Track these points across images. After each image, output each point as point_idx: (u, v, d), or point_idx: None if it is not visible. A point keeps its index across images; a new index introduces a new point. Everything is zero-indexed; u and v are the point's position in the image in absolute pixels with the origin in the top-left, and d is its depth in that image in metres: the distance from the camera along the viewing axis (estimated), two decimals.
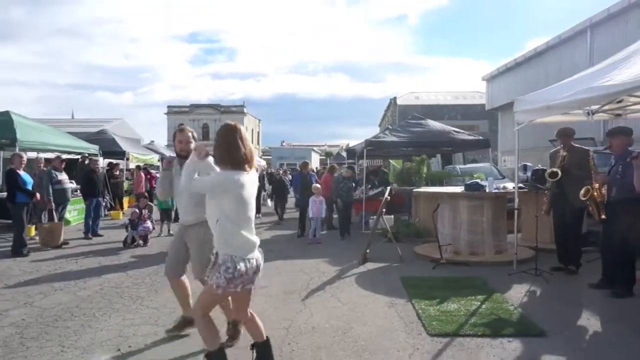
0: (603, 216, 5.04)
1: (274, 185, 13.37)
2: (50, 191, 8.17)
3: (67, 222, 10.19)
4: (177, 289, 3.87)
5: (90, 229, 9.40)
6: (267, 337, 2.99)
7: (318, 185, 9.46)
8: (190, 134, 3.96)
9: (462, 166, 13.36)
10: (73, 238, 9.06)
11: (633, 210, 4.75)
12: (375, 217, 10.78)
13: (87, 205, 9.49)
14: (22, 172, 7.55)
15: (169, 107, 66.36)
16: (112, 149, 15.09)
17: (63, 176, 8.59)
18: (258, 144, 71.93)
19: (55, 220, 8.34)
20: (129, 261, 7.11)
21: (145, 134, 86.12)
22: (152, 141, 63.67)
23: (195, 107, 65.50)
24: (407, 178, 9.27)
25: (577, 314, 4.31)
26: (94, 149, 12.61)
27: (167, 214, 9.77)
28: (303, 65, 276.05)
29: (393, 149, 11.58)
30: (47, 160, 10.05)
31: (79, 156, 13.09)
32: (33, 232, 8.83)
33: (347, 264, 6.78)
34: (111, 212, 13.19)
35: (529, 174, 7.99)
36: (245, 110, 65.26)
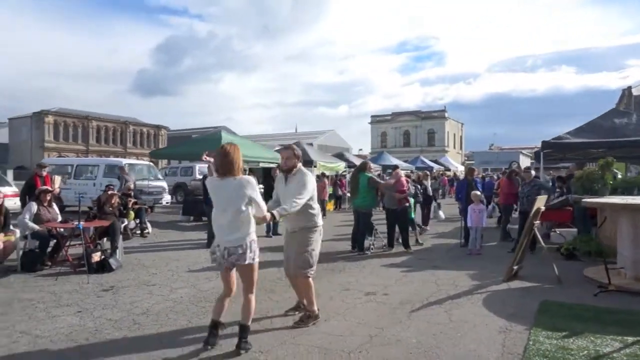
0: None
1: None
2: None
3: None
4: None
5: (272, 228, 10.80)
6: None
7: (478, 193, 8.77)
8: (292, 151, 4.41)
9: None
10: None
11: None
12: (557, 230, 9.46)
13: None
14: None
15: (372, 116, 69.71)
16: (305, 158, 16.95)
17: None
18: (461, 148, 69.22)
19: None
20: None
21: (355, 143, 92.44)
22: (360, 149, 67.72)
23: (397, 114, 67.08)
24: (589, 186, 7.74)
25: None
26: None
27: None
28: (520, 61, 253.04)
29: (579, 150, 9.79)
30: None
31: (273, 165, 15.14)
32: None
33: (490, 280, 6.19)
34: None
35: None
36: (446, 114, 63.76)
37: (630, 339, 3.82)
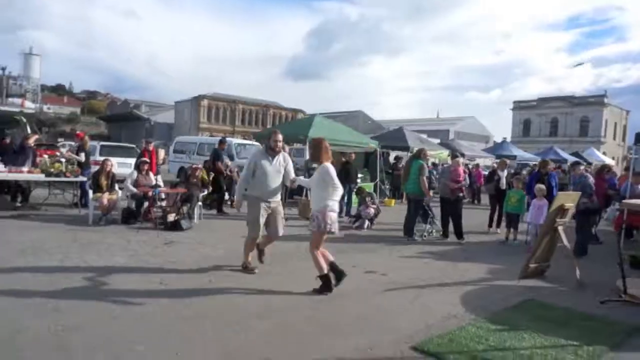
0: None
1: None
2: (307, 175, 10.68)
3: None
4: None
5: (346, 210, 11.52)
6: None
7: (542, 186, 8.23)
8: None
9: None
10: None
11: None
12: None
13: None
14: None
15: (514, 102, 64.56)
16: (400, 144, 17.15)
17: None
18: (623, 140, 59.74)
19: (309, 198, 10.80)
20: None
21: (502, 130, 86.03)
22: (504, 138, 63.70)
23: (544, 100, 60.93)
24: None
25: None
26: (373, 143, 14.93)
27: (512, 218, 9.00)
28: None
29: None
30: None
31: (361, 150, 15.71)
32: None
33: (506, 275, 6.08)
34: (385, 200, 15.17)
35: None
36: (605, 100, 55.68)
37: (563, 341, 3.73)
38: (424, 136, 47.49)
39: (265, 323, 3.87)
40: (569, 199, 5.87)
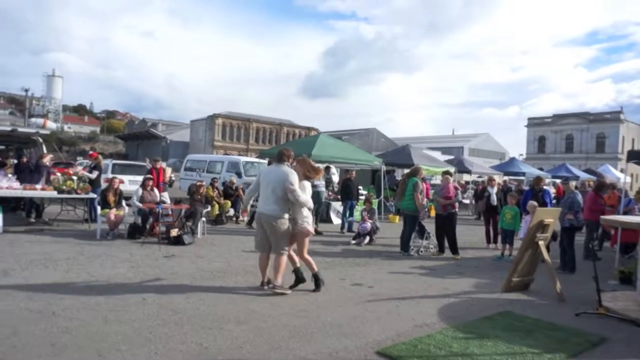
0: None
1: None
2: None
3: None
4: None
5: (347, 225, 11.77)
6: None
7: (534, 203, 8.37)
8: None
9: None
10: (330, 231, 11.74)
11: None
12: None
13: (343, 206, 11.95)
14: None
15: (529, 119, 64.29)
16: (405, 162, 17.38)
17: (319, 182, 11.17)
18: None
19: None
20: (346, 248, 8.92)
21: (517, 147, 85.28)
22: (521, 155, 62.94)
23: (559, 117, 60.58)
24: None
25: None
26: (377, 161, 15.23)
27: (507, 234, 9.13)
28: None
29: None
30: (327, 169, 13.13)
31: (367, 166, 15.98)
32: None
33: (488, 289, 6.25)
34: (389, 216, 15.37)
35: None
36: (622, 116, 55.11)
37: (524, 349, 3.91)
38: (438, 153, 47.58)
39: (242, 327, 4.15)
40: (549, 215, 6.05)
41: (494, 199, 10.18)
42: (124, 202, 9.27)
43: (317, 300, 5.21)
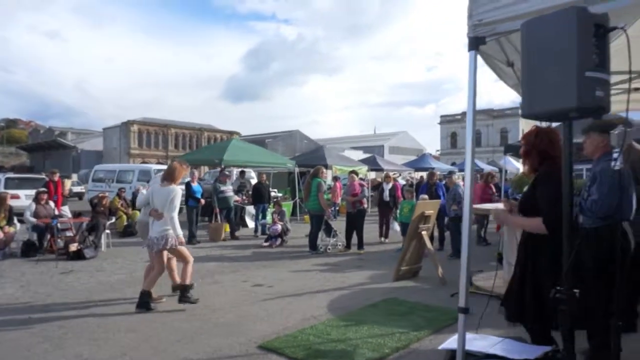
0: None
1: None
2: (216, 199, 10.98)
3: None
4: None
5: (260, 229, 11.91)
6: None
7: (425, 196, 9.09)
8: None
9: None
10: (244, 235, 11.85)
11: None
12: None
13: (255, 209, 12.09)
14: (194, 184, 10.59)
15: (441, 116, 68.26)
16: (319, 163, 17.87)
17: (226, 187, 11.25)
18: None
19: (219, 221, 11.05)
20: (255, 252, 9.05)
21: (433, 143, 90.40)
22: (438, 150, 66.13)
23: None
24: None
25: None
26: (291, 163, 15.54)
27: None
28: None
29: None
30: (242, 173, 13.16)
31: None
32: (227, 228, 11.82)
33: (382, 280, 6.75)
34: (305, 217, 15.72)
35: None
36: (520, 112, 60.47)
37: (395, 330, 4.36)
38: (360, 152, 49.07)
39: (131, 336, 4.20)
40: (429, 207, 6.67)
41: (387, 195, 10.86)
42: (15, 219, 8.71)
43: (213, 304, 5.35)
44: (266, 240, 10.30)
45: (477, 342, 2.44)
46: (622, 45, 3.54)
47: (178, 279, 5.32)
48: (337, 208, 16.27)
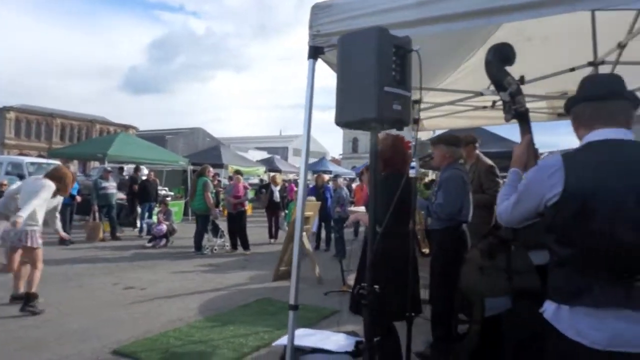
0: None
1: None
2: (95, 196, 10.23)
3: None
4: None
5: (145, 229, 11.30)
6: None
7: (312, 198, 9.36)
8: None
9: None
10: (128, 235, 11.17)
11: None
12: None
13: (142, 208, 11.47)
14: None
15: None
16: (215, 162, 17.53)
17: (108, 184, 10.54)
18: None
19: (97, 220, 10.32)
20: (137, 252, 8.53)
21: (336, 147, 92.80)
22: (340, 154, 67.54)
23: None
24: None
25: None
26: (184, 161, 15.02)
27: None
28: None
29: None
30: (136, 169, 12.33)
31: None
32: (107, 228, 11.02)
33: (262, 280, 6.80)
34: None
35: None
36: None
37: (260, 329, 4.43)
38: (264, 153, 48.88)
39: None
40: (308, 208, 6.88)
41: (277, 197, 11.04)
42: None
43: (71, 309, 4.97)
44: (150, 241, 9.83)
45: (309, 337, 2.58)
46: (477, 66, 3.98)
47: (22, 288, 4.90)
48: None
